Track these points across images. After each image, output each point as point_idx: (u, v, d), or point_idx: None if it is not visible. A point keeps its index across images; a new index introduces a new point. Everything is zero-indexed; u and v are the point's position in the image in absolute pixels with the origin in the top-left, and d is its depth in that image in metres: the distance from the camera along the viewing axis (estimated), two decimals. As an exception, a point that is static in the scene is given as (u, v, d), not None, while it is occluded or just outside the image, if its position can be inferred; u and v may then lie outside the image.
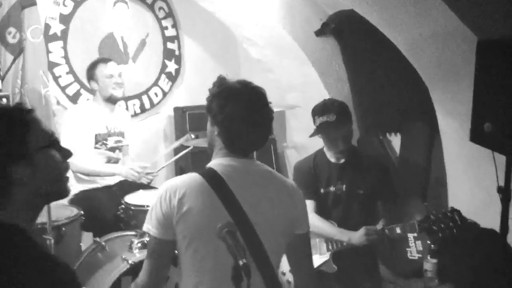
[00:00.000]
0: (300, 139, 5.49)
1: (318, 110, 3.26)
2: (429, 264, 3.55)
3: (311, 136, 3.24)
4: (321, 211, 3.25)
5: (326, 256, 3.17)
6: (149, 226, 1.88)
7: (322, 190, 3.27)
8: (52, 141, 1.64)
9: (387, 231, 3.06)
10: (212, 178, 1.87)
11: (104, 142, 4.07)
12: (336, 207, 3.27)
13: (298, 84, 5.10)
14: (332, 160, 3.31)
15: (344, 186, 3.25)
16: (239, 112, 1.87)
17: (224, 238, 1.62)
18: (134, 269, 3.17)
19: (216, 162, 1.94)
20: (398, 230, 3.04)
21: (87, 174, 3.98)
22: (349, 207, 3.25)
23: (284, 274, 3.06)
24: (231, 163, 1.92)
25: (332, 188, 3.27)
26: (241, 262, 1.53)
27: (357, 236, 3.07)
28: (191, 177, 1.90)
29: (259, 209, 1.87)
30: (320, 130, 3.20)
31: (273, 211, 1.91)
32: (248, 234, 1.79)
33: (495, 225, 2.85)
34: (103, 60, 4.14)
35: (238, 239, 1.59)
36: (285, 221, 1.94)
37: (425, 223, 2.90)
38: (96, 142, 4.02)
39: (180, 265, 1.91)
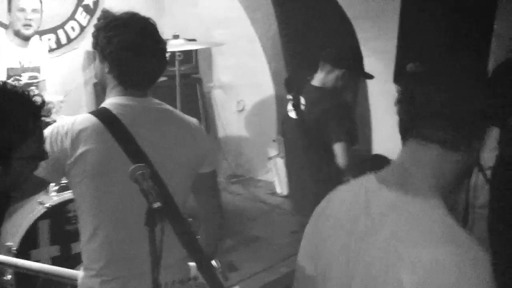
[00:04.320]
0: (226, 78, 5.38)
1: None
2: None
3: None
4: None
5: None
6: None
7: None
8: (40, 155, 1.52)
9: None
10: (107, 118, 1.76)
11: (17, 78, 3.82)
12: None
13: (224, 19, 4.94)
14: None
15: None
16: (129, 41, 1.75)
17: (137, 180, 1.53)
18: (51, 213, 3.07)
19: (110, 102, 1.81)
20: None
21: None
22: None
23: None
24: (126, 102, 1.80)
25: None
26: (155, 205, 1.46)
27: None
28: (84, 118, 1.78)
29: (159, 149, 1.78)
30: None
31: (175, 150, 1.83)
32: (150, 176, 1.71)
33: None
34: None
35: (151, 181, 1.51)
36: (189, 160, 1.86)
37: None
38: (8, 78, 3.76)
39: (77, 211, 1.83)
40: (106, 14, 1.83)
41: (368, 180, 1.36)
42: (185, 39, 3.84)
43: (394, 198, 1.26)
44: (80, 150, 1.72)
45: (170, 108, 1.92)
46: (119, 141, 1.73)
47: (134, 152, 1.73)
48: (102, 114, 1.77)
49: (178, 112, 1.94)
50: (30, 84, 3.91)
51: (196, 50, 5.09)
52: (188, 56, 4.98)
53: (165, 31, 5.60)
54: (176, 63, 3.86)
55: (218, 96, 5.57)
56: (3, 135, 1.42)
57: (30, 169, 1.55)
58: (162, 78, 5.07)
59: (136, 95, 1.82)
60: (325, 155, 2.99)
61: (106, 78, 1.83)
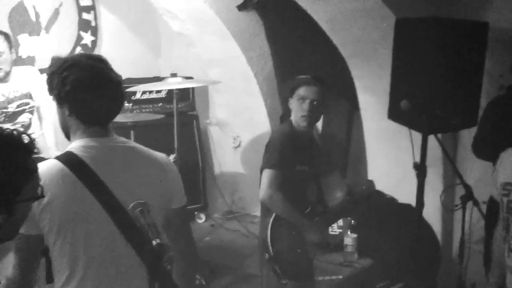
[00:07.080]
0: (223, 115, 5.43)
1: None
2: (349, 239, 3.63)
3: None
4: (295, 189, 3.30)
5: None
6: None
7: (297, 167, 3.31)
8: (39, 196, 1.52)
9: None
10: (72, 162, 1.74)
11: (3, 110, 3.85)
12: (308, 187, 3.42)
13: (221, 58, 5.02)
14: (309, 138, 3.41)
15: (307, 167, 3.34)
16: (82, 78, 1.76)
17: (137, 217, 1.54)
18: (48, 251, 3.05)
19: (75, 145, 1.81)
20: None
21: None
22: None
23: None
24: (91, 143, 1.79)
25: (303, 167, 3.33)
26: (154, 242, 1.47)
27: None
28: (49, 164, 1.76)
29: (129, 188, 1.76)
30: None
31: (145, 188, 1.80)
32: (120, 217, 1.69)
33: (411, 200, 2.93)
34: None
35: (151, 218, 1.52)
36: (160, 197, 1.85)
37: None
38: None
39: (51, 258, 1.79)
40: (56, 60, 1.84)
41: None
42: (182, 77, 3.90)
43: None
44: (47, 198, 1.68)
45: (137, 145, 1.91)
46: (86, 184, 1.72)
47: (102, 194, 1.71)
48: (67, 158, 1.76)
49: (145, 148, 1.92)
50: (21, 112, 3.94)
51: (193, 88, 5.16)
52: (185, 93, 5.04)
53: (162, 71, 5.71)
54: (174, 100, 3.91)
55: (214, 133, 5.60)
56: (7, 180, 1.41)
57: (28, 210, 1.54)
58: (160, 116, 5.12)
59: (99, 135, 1.82)
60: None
61: (68, 122, 1.84)
